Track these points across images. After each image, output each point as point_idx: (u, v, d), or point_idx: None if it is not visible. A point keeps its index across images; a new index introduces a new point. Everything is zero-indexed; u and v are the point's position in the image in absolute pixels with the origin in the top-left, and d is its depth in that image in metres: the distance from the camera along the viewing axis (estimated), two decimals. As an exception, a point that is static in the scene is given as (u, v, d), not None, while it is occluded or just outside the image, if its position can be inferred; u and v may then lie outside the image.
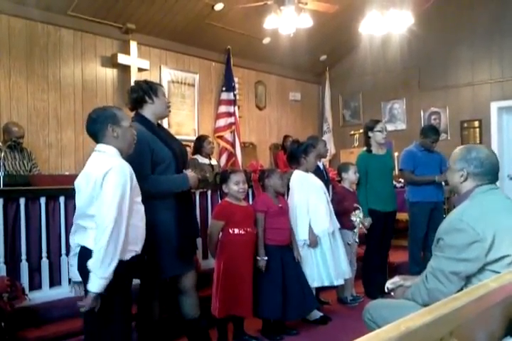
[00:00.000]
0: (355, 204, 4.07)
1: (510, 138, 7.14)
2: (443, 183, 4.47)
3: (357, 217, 4.00)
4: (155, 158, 2.61)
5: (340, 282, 3.68)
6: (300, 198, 3.62)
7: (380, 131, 4.20)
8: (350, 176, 4.18)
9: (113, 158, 2.22)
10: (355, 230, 4.05)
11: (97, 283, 2.08)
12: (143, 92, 2.70)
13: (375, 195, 4.18)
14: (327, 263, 3.60)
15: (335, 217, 3.84)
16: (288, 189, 3.80)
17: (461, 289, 1.91)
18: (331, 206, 3.83)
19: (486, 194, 2.05)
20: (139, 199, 2.32)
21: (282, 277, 3.31)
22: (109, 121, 2.23)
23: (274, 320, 3.36)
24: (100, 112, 2.27)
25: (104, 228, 2.09)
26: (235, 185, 3.16)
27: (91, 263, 2.08)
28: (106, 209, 2.10)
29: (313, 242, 3.57)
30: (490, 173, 2.07)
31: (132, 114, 2.78)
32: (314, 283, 3.56)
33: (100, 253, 2.07)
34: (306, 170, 3.76)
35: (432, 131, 4.56)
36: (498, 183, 2.18)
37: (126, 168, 2.20)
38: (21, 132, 4.68)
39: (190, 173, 2.74)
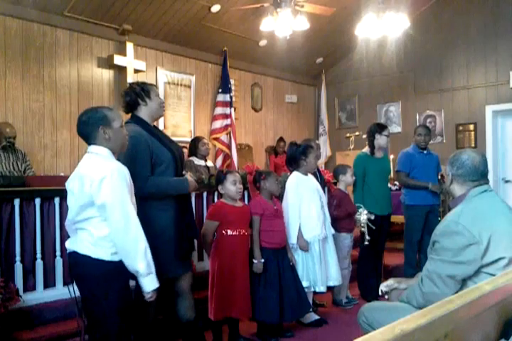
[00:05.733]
0: (357, 204, 4.06)
1: (504, 142, 7.18)
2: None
3: (362, 214, 3.97)
4: (154, 159, 2.61)
5: (323, 289, 3.58)
6: (293, 201, 3.57)
7: (386, 136, 4.30)
8: (348, 178, 4.16)
9: (108, 160, 2.20)
10: (363, 229, 4.00)
11: (148, 282, 2.13)
12: (135, 95, 2.72)
13: (372, 198, 4.18)
14: (315, 268, 3.54)
15: (329, 222, 3.81)
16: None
17: (457, 292, 1.92)
18: (326, 211, 3.79)
19: (480, 197, 2.06)
20: (134, 200, 2.31)
21: (279, 279, 3.28)
22: (100, 123, 2.20)
23: (270, 323, 3.34)
24: (90, 114, 2.24)
25: (123, 233, 2.09)
26: (232, 185, 3.15)
27: (132, 268, 2.10)
28: (112, 213, 2.09)
29: (304, 247, 3.52)
30: (471, 173, 2.07)
31: (128, 117, 2.79)
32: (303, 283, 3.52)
33: (132, 257, 2.09)
34: (306, 173, 3.72)
35: (419, 127, 4.70)
36: (492, 186, 2.18)
37: (124, 170, 2.19)
38: (14, 132, 4.66)
39: (190, 178, 2.74)
